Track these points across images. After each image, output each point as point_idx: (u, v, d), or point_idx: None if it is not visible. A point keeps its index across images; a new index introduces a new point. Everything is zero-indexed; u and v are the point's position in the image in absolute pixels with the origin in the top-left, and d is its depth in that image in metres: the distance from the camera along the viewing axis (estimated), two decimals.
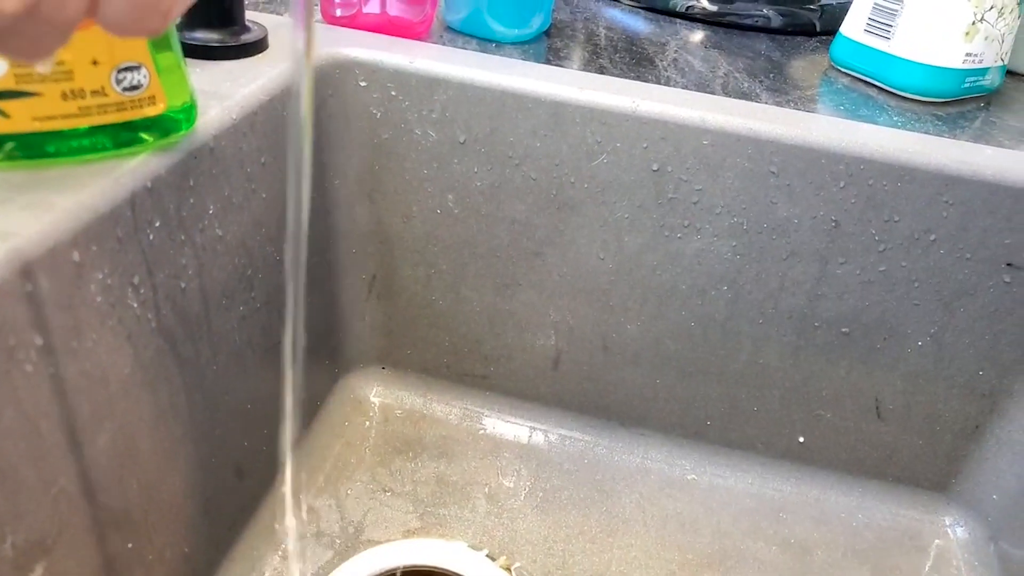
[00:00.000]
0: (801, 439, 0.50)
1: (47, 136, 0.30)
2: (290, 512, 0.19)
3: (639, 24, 0.61)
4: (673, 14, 0.62)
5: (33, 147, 0.30)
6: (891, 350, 0.46)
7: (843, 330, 0.46)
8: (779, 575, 0.46)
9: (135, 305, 0.32)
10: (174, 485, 0.37)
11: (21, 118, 0.29)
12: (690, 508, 0.49)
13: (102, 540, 0.32)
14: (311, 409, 0.51)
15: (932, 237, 0.43)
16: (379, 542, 0.45)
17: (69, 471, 0.30)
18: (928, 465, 0.50)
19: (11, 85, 0.28)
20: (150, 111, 0.32)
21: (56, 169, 0.30)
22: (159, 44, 0.31)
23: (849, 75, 0.53)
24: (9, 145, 0.29)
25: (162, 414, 0.35)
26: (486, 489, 0.49)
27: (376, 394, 0.53)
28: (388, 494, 0.48)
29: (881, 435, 0.49)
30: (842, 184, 0.42)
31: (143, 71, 0.31)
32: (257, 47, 0.43)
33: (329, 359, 0.53)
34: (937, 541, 0.49)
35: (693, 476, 0.50)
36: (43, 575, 0.29)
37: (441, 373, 0.54)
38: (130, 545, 0.34)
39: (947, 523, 0.50)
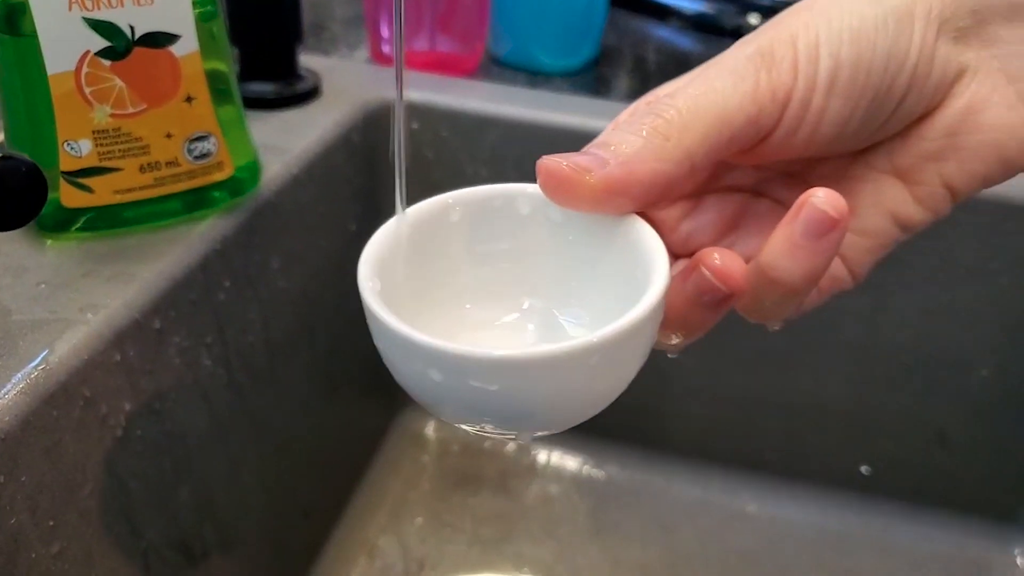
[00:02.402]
0: (863, 469, 0.49)
1: (124, 205, 0.31)
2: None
3: (688, 44, 0.60)
4: (723, 32, 0.61)
5: (112, 217, 0.31)
6: (954, 380, 0.46)
7: (903, 360, 0.46)
8: None
9: (208, 363, 0.33)
10: (247, 530, 0.38)
11: (103, 192, 0.30)
12: (751, 542, 0.48)
13: None
14: (369, 447, 0.52)
15: (994, 266, 0.42)
16: None
17: (156, 524, 0.31)
18: (995, 495, 0.49)
19: (95, 162, 0.29)
20: (218, 176, 0.33)
21: (133, 237, 0.31)
22: (221, 98, 0.32)
23: None
24: (83, 217, 0.30)
25: (234, 465, 0.36)
26: (546, 524, 0.49)
27: (432, 429, 0.54)
28: (449, 529, 0.48)
29: (946, 465, 0.48)
30: None
31: (212, 139, 0.32)
32: (311, 95, 0.44)
33: (384, 396, 0.54)
34: (1006, 572, 0.48)
35: (754, 508, 0.50)
36: None
37: None
38: None
39: (1015, 553, 0.49)
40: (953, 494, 0.49)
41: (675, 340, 0.22)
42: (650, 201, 0.20)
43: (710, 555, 0.48)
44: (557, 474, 0.52)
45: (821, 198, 0.19)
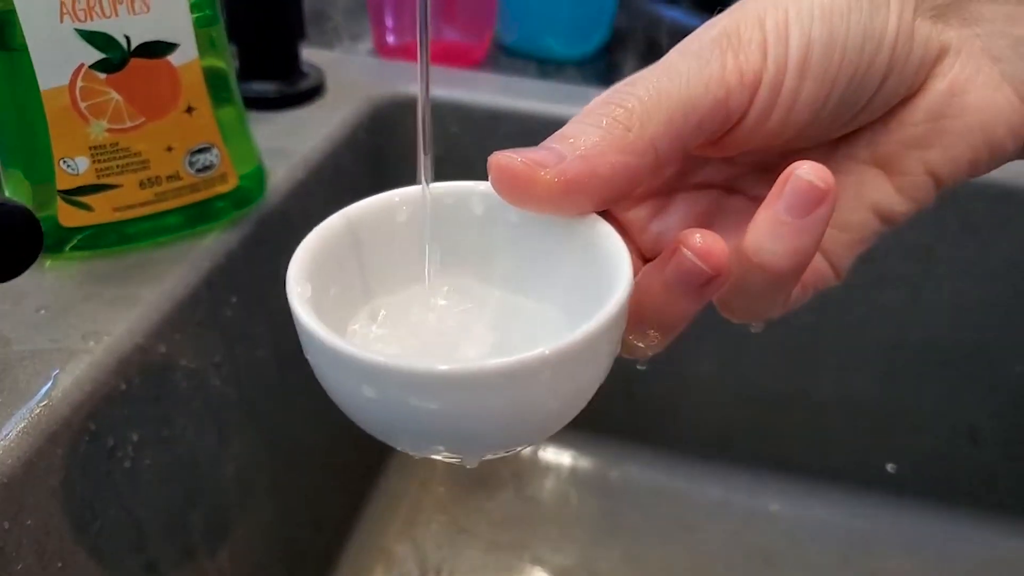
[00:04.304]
0: (891, 467, 0.48)
1: (125, 222, 0.29)
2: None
3: (700, 25, 0.58)
4: None
5: (112, 234, 0.30)
6: (985, 376, 0.44)
7: (934, 356, 0.44)
8: None
9: (217, 383, 0.32)
10: (259, 548, 0.37)
11: (103, 210, 0.29)
12: (775, 542, 0.47)
13: None
14: (383, 452, 0.51)
15: None
16: None
17: (169, 554, 0.30)
18: None
19: (92, 179, 0.28)
20: (222, 188, 0.31)
21: (134, 255, 0.30)
22: (221, 102, 0.30)
23: None
24: (77, 237, 0.29)
25: (247, 482, 0.35)
26: (564, 526, 0.48)
27: None
28: (465, 534, 0.47)
29: (976, 462, 0.47)
30: (934, 208, 0.40)
31: (214, 151, 0.30)
32: (315, 93, 0.43)
33: None
34: None
35: (777, 508, 0.49)
36: None
37: None
38: None
39: None
40: (984, 492, 0.48)
41: (651, 337, 0.20)
42: (612, 198, 0.19)
43: (733, 556, 0.47)
44: (575, 475, 0.51)
45: (806, 170, 0.17)
